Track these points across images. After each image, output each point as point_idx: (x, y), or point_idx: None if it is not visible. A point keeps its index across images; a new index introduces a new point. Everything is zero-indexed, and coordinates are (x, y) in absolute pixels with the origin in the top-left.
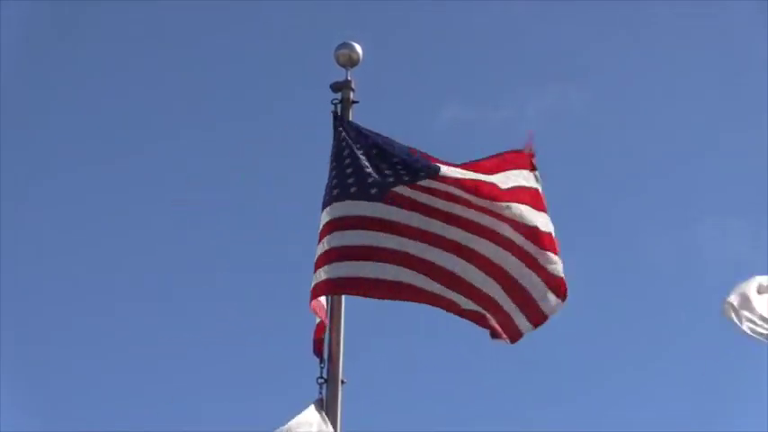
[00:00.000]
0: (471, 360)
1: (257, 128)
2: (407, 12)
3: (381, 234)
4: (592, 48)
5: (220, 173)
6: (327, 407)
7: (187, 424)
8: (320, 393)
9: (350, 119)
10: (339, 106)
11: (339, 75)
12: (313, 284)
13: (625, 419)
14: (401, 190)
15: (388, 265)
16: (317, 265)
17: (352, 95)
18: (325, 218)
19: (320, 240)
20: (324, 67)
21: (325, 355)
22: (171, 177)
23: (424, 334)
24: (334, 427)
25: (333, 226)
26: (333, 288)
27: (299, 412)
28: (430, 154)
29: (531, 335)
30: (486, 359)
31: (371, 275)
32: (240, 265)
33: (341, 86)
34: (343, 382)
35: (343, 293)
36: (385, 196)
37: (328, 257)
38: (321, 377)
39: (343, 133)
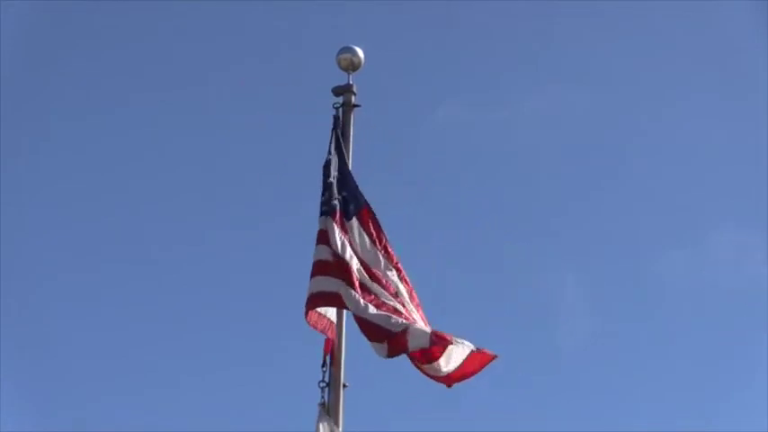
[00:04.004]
0: None
1: (259, 130)
2: (405, 13)
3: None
4: (591, 48)
5: (221, 175)
6: (329, 411)
7: (188, 427)
8: (322, 397)
9: (351, 123)
10: (341, 110)
11: (341, 79)
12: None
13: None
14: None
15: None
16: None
17: (353, 99)
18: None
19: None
20: (326, 71)
21: (327, 360)
22: (171, 180)
23: None
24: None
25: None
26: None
27: (300, 416)
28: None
29: (534, 348)
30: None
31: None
32: (242, 268)
33: (342, 90)
34: (345, 385)
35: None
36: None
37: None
38: (323, 381)
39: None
